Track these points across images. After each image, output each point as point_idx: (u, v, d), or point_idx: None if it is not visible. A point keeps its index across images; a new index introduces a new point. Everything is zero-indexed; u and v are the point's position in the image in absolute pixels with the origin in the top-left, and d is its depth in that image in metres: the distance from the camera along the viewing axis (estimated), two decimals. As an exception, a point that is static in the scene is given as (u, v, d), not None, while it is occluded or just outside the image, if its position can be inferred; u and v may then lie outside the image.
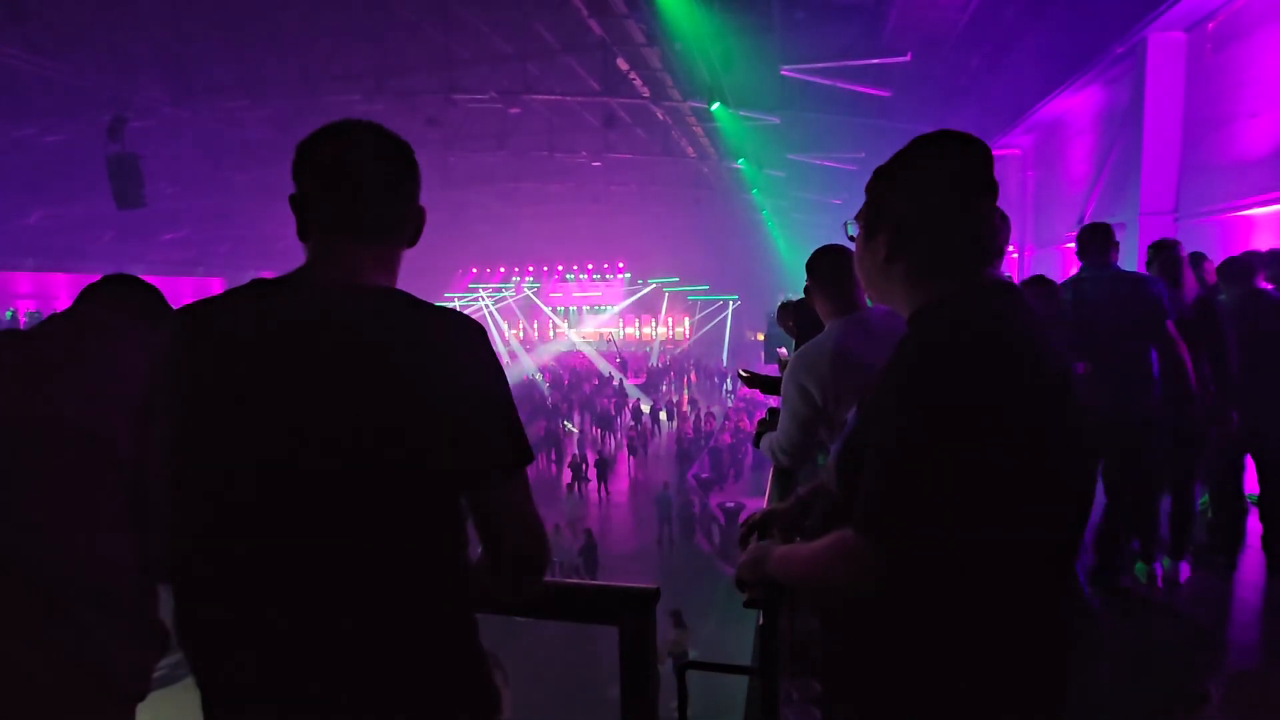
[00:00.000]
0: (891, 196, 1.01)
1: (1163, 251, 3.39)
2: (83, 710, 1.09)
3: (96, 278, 1.36)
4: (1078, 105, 8.18)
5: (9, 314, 15.58)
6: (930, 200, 0.98)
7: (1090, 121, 8.11)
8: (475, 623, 0.95)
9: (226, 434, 0.85)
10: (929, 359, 0.90)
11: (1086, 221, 8.55)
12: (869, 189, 1.06)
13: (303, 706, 0.84)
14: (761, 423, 2.52)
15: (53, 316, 1.27)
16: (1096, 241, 3.17)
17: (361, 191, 0.93)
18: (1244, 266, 3.41)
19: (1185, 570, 3.31)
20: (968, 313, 0.94)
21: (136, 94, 9.12)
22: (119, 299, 1.31)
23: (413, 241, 1.02)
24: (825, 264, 2.04)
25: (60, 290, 17.39)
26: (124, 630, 1.11)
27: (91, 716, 1.10)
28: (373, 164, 0.94)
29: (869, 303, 2.01)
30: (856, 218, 1.09)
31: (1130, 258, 5.90)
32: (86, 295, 1.31)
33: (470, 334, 0.89)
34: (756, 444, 2.39)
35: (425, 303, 0.89)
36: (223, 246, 18.93)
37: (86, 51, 8.14)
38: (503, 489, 0.90)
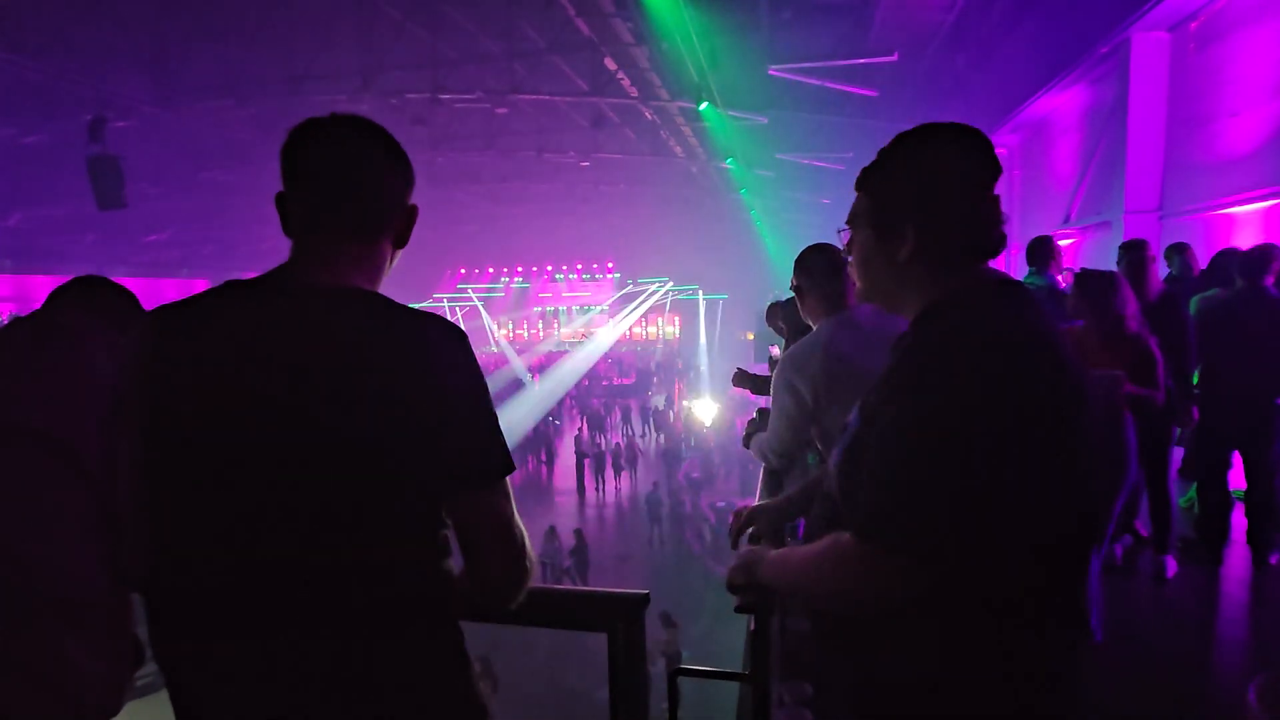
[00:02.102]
0: (912, 191, 0.96)
1: (1130, 252, 3.46)
2: None
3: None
4: (1063, 104, 8.25)
5: (-11, 317, 15.31)
6: (956, 190, 0.95)
7: (1076, 120, 8.18)
8: (460, 631, 0.93)
9: (196, 442, 0.81)
10: (937, 360, 0.87)
11: (1073, 220, 8.62)
12: (873, 187, 1.01)
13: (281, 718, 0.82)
14: (751, 423, 2.51)
15: (18, 320, 1.23)
16: (1029, 251, 3.98)
17: (339, 188, 0.90)
18: (1259, 260, 3.34)
19: (1172, 565, 3.34)
20: (978, 312, 0.91)
21: (117, 93, 8.98)
22: (88, 302, 1.27)
23: (401, 240, 0.98)
24: (818, 261, 2.02)
25: (41, 293, 16.87)
26: (95, 644, 1.08)
27: None
28: (351, 160, 0.90)
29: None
30: (856, 219, 1.04)
31: (1115, 256, 5.95)
32: (55, 298, 1.27)
33: (449, 339, 0.86)
34: (746, 444, 2.38)
35: (403, 306, 0.86)
36: (207, 248, 18.71)
37: (66, 50, 7.99)
38: (484, 498, 0.87)
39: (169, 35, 8.49)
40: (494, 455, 0.87)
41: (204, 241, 18.27)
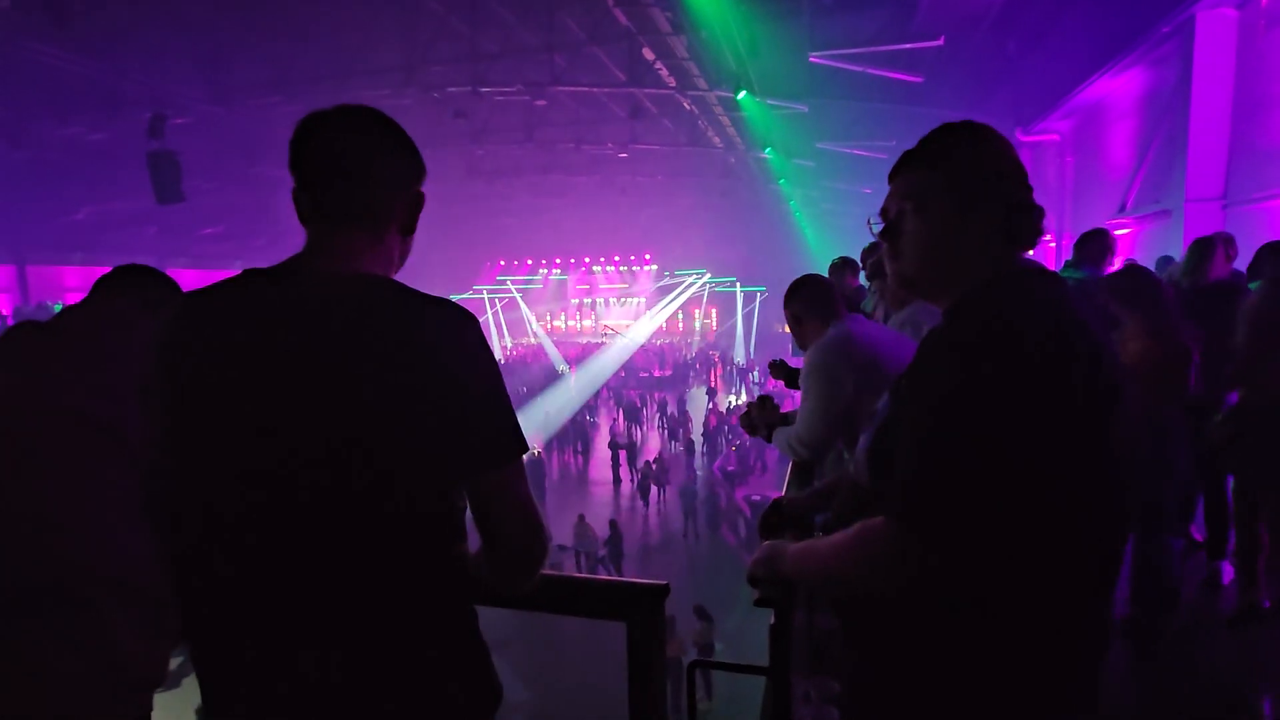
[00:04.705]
0: (991, 169, 0.96)
1: (1203, 237, 3.32)
2: (101, 699, 1.11)
3: None
4: (1120, 88, 7.89)
5: (57, 306, 16.16)
6: (1017, 175, 0.97)
7: (1133, 105, 7.81)
8: (474, 614, 0.95)
9: (212, 432, 0.84)
10: (969, 343, 0.87)
11: (1129, 208, 8.23)
12: (946, 164, 0.96)
13: (301, 701, 0.84)
14: (743, 416, 2.50)
15: (71, 308, 1.29)
16: (1079, 246, 3.59)
17: (336, 177, 0.92)
18: None
19: (1228, 571, 3.20)
20: (1020, 298, 0.91)
21: (175, 92, 9.36)
22: (133, 290, 1.32)
23: (407, 229, 0.99)
24: (811, 289, 2.13)
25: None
26: (141, 619, 1.13)
27: (109, 705, 1.12)
28: (347, 149, 0.92)
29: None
30: (926, 194, 0.98)
31: (1175, 246, 5.68)
32: (101, 286, 1.32)
33: (460, 323, 0.88)
34: (768, 439, 2.36)
35: (414, 291, 0.87)
36: (259, 240, 19.35)
37: (127, 52, 8.37)
38: (497, 481, 0.89)
39: (223, 36, 8.80)
40: (508, 435, 0.89)
41: (256, 234, 18.89)
